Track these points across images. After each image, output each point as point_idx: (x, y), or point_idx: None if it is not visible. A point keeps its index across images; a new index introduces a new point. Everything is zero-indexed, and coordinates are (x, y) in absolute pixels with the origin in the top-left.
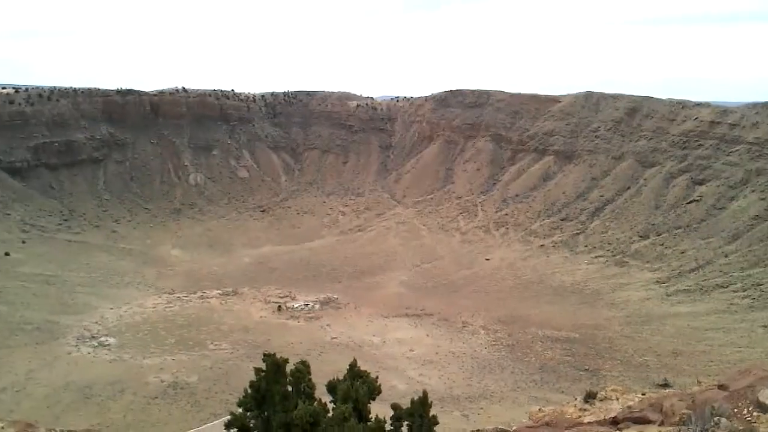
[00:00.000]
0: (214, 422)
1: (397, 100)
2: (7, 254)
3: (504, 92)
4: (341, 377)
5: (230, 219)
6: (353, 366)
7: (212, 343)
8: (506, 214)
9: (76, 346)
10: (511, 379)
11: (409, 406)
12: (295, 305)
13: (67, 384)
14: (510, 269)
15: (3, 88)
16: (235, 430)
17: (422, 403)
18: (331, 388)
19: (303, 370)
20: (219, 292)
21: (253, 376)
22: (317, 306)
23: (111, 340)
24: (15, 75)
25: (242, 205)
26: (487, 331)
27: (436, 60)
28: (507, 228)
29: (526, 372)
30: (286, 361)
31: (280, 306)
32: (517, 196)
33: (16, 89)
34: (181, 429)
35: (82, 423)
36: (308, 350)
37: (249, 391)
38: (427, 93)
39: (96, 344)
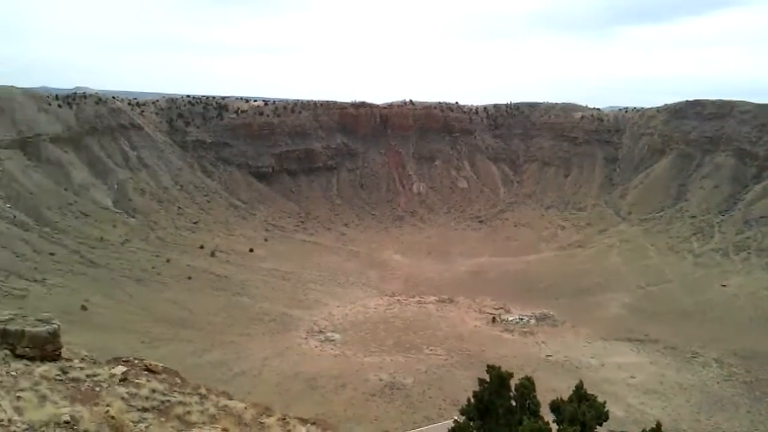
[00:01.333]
0: (435, 425)
1: (626, 111)
2: (251, 250)
3: (750, 103)
4: (559, 397)
5: (449, 228)
6: (579, 388)
7: (428, 348)
8: (748, 238)
9: (306, 338)
10: (746, 419)
11: None
12: (510, 318)
13: (296, 374)
14: (750, 298)
15: (255, 101)
16: None
17: None
18: (556, 408)
19: (528, 386)
20: (435, 298)
21: (466, 385)
22: (532, 321)
23: (336, 336)
24: (265, 89)
25: (461, 214)
26: (720, 365)
27: (671, 69)
28: (749, 252)
29: (765, 413)
30: (511, 375)
31: (494, 317)
32: (762, 218)
33: (266, 102)
34: (396, 428)
35: (309, 412)
36: (521, 365)
37: (472, 400)
38: (659, 104)
39: (323, 339)
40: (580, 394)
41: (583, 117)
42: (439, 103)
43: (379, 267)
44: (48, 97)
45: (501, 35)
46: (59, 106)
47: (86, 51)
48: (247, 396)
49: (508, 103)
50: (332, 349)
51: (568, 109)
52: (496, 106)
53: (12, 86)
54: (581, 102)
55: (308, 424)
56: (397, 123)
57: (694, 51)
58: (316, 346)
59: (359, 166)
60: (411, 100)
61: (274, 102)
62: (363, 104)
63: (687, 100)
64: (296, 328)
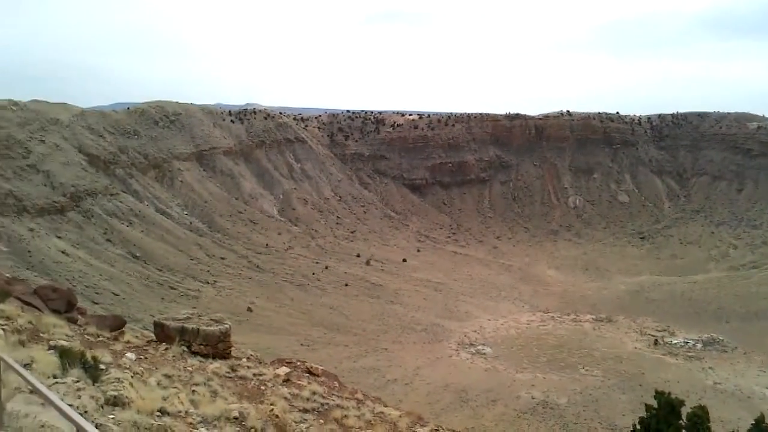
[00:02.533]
0: None
1: None
2: (404, 260)
3: None
4: (736, 429)
5: (607, 243)
6: (760, 422)
7: (583, 368)
8: None
9: (457, 350)
10: None
11: None
12: (674, 341)
13: (447, 385)
14: None
15: (410, 114)
16: None
17: None
18: None
19: (702, 415)
20: (592, 317)
21: (624, 409)
22: (699, 345)
23: (487, 349)
24: (421, 103)
25: (620, 230)
26: None
27: None
28: None
29: None
30: (682, 402)
31: (656, 340)
32: None
33: (420, 116)
34: None
35: (459, 424)
36: (686, 392)
37: (637, 427)
38: None
39: (474, 351)
40: (760, 429)
41: (759, 127)
42: (599, 113)
43: (532, 282)
44: (222, 113)
45: (665, 42)
46: (232, 121)
47: (257, 70)
48: (398, 404)
49: (675, 113)
50: (483, 362)
51: (741, 119)
52: (660, 116)
53: (192, 104)
54: (756, 111)
55: None
56: (553, 134)
57: None
58: (467, 359)
59: (512, 179)
60: (568, 111)
61: (429, 115)
62: (517, 116)
63: None
64: (447, 339)
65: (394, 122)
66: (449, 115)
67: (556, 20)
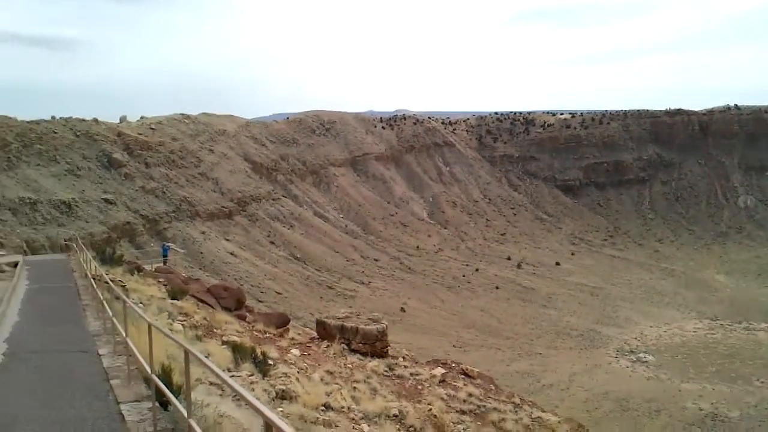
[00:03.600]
0: None
1: None
2: (557, 264)
3: None
4: None
5: None
6: None
7: (758, 380)
8: None
9: (616, 357)
10: None
11: None
12: None
13: (606, 393)
14: None
15: (561, 114)
16: None
17: None
18: None
19: None
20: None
21: None
22: None
23: (649, 357)
24: (573, 101)
25: None
26: None
27: None
28: None
29: None
30: None
31: None
32: None
33: (573, 114)
34: None
35: None
36: None
37: None
38: None
39: (634, 359)
40: None
41: None
42: None
43: (698, 287)
44: (373, 120)
45: None
46: (383, 127)
47: (406, 77)
48: (554, 409)
49: None
50: (645, 370)
51: None
52: None
53: (346, 112)
54: None
55: None
56: (719, 130)
57: None
58: (627, 366)
59: (674, 178)
60: (736, 105)
61: (581, 114)
62: (678, 111)
63: None
64: (605, 345)
65: (545, 122)
66: (603, 113)
67: (720, 5)
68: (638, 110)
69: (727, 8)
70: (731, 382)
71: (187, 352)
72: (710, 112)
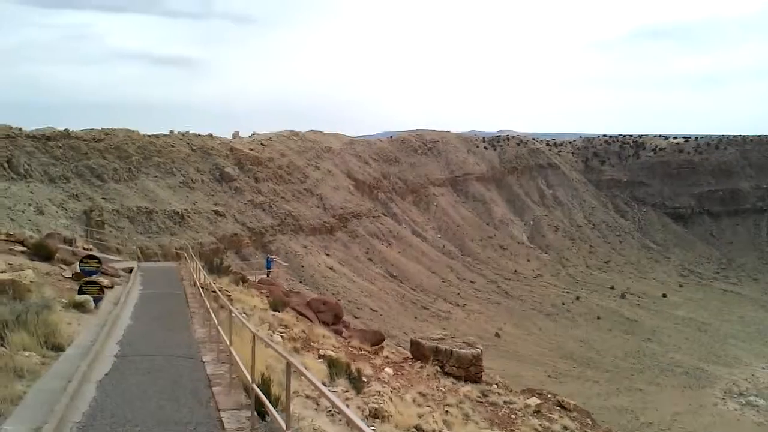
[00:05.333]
0: None
1: None
2: (664, 296)
3: None
4: None
5: None
6: None
7: None
8: None
9: (723, 399)
10: None
11: None
12: None
13: None
14: None
15: (674, 138)
16: None
17: None
18: None
19: None
20: None
21: None
22: None
23: (760, 401)
24: (686, 125)
25: None
26: None
27: None
28: None
29: None
30: None
31: None
32: None
33: (686, 139)
34: None
35: None
36: None
37: None
38: None
39: (743, 402)
40: None
41: None
42: None
43: None
44: (476, 140)
45: None
46: (485, 148)
47: (511, 96)
48: None
49: None
50: (755, 415)
51: None
52: None
53: (448, 131)
54: None
55: None
56: None
57: None
58: (735, 410)
59: None
60: None
61: (696, 138)
62: None
63: None
64: (711, 385)
65: (656, 146)
66: (720, 138)
67: None
68: (759, 135)
69: None
70: None
71: (289, 364)
72: None
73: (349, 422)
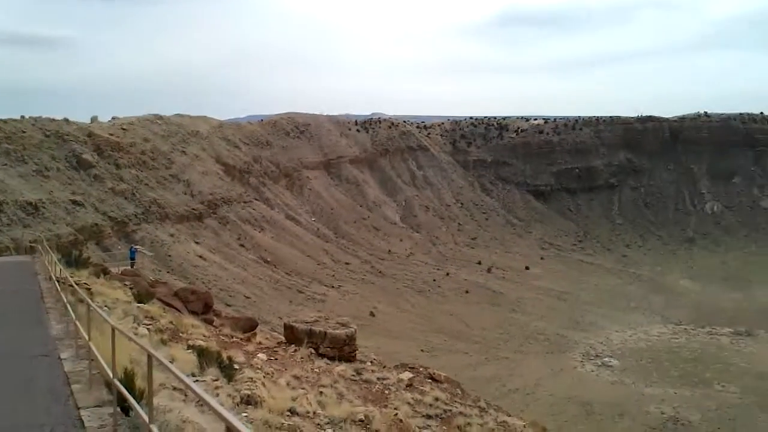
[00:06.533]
0: None
1: None
2: (527, 268)
3: None
4: None
5: (749, 252)
6: None
7: (718, 384)
8: None
9: (581, 362)
10: None
11: None
12: None
13: (571, 397)
14: None
15: (535, 119)
16: None
17: None
18: None
19: None
20: (730, 330)
21: (765, 428)
22: None
23: (614, 362)
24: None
25: (763, 238)
26: None
27: None
28: None
29: None
30: None
31: None
32: None
33: (546, 120)
34: None
35: None
36: None
37: None
38: None
39: (599, 363)
40: None
41: None
42: (740, 114)
43: (664, 292)
44: (348, 123)
45: None
46: (357, 130)
47: (381, 80)
48: (520, 414)
49: None
50: (609, 375)
51: None
52: None
53: (320, 114)
54: None
55: None
56: (689, 137)
57: None
58: (593, 371)
59: (644, 184)
60: (705, 112)
61: (555, 120)
62: (650, 118)
63: None
64: (571, 350)
65: (518, 128)
66: (576, 119)
67: (694, 12)
68: (611, 117)
69: (710, 15)
70: (693, 387)
71: (150, 356)
72: (681, 119)
73: (211, 409)
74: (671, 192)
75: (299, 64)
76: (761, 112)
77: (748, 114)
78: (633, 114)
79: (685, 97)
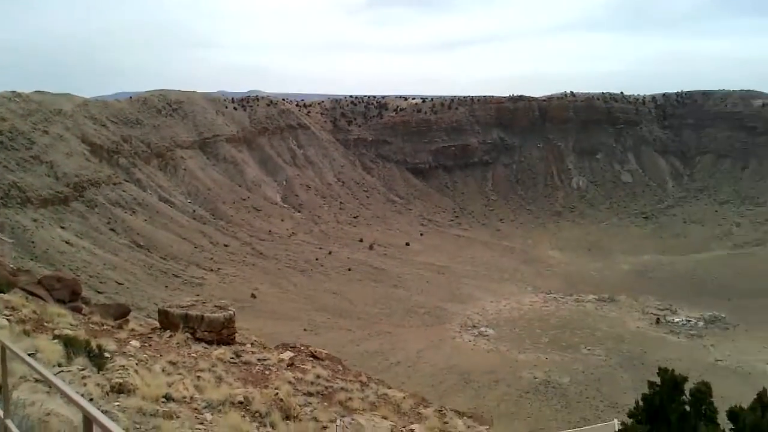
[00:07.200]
0: (594, 426)
1: None
2: (407, 244)
3: None
4: (738, 404)
5: (611, 224)
6: (762, 396)
7: (585, 348)
8: None
9: (459, 332)
10: None
11: None
12: (676, 320)
13: (450, 367)
14: None
15: (413, 99)
16: None
17: None
18: (734, 416)
19: (705, 391)
20: (595, 297)
21: (626, 387)
22: (701, 323)
23: (490, 331)
24: (424, 87)
25: (624, 210)
26: None
27: None
28: None
29: None
30: (685, 379)
31: (658, 318)
32: None
33: (423, 99)
34: (552, 428)
35: (462, 405)
36: (687, 369)
37: (641, 404)
38: None
39: (476, 333)
40: (764, 403)
41: (764, 105)
42: (603, 93)
43: (535, 263)
44: (225, 100)
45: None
46: (235, 108)
47: (259, 57)
48: (402, 386)
49: (679, 92)
50: (486, 344)
51: (747, 96)
52: (665, 95)
53: (194, 92)
54: (762, 89)
55: (464, 417)
56: (557, 116)
57: None
58: (470, 341)
59: (515, 161)
60: (571, 92)
61: (432, 99)
62: (521, 98)
63: None
64: (450, 321)
65: (397, 107)
66: (452, 99)
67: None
68: (484, 96)
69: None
70: (562, 351)
71: (3, 348)
72: (549, 99)
73: (64, 395)
74: (541, 168)
75: (173, 39)
76: (621, 92)
77: (609, 93)
78: (506, 94)
79: (555, 78)
